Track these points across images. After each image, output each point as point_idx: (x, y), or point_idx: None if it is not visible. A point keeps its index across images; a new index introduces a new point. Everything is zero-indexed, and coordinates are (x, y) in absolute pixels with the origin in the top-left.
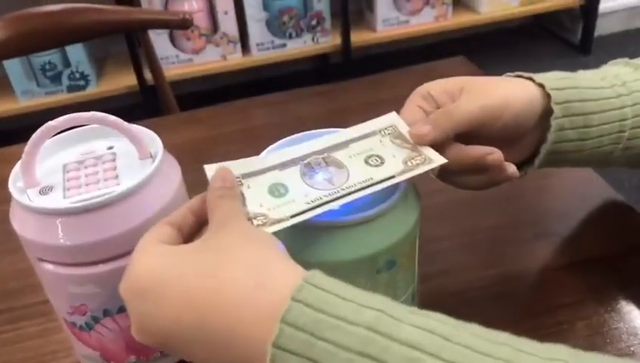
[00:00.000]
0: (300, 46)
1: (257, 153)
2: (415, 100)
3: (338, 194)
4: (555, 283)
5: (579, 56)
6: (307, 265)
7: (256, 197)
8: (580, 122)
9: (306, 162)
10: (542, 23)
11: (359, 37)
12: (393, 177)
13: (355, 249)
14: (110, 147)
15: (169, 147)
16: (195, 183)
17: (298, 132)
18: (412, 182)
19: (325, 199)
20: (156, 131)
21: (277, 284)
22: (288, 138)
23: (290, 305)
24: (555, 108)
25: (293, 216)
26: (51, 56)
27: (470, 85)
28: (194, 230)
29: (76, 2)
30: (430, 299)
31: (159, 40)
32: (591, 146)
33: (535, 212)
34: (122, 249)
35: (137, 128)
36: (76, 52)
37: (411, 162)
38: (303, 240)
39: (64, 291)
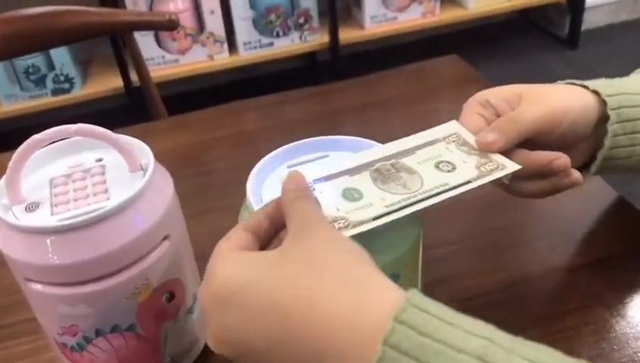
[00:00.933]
0: (288, 44)
1: (251, 159)
2: (474, 107)
3: (417, 198)
4: (561, 288)
5: (567, 50)
6: None
7: (331, 201)
8: (630, 128)
9: (375, 168)
10: (529, 17)
11: (347, 34)
12: (469, 182)
13: None
14: (99, 160)
15: (157, 153)
16: (187, 192)
17: (292, 136)
18: None
19: (405, 202)
20: (144, 138)
21: (376, 303)
22: (284, 148)
23: (392, 327)
24: (611, 114)
25: (375, 218)
26: (35, 59)
27: (529, 92)
28: (270, 235)
29: (60, 4)
30: None
31: (144, 41)
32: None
33: (536, 214)
34: (114, 266)
35: (126, 140)
36: (60, 55)
37: (484, 168)
38: None
39: (54, 311)
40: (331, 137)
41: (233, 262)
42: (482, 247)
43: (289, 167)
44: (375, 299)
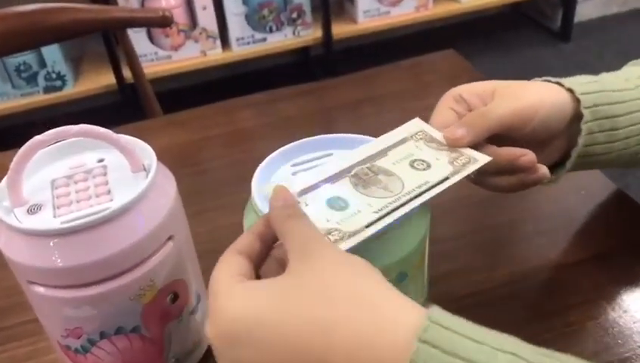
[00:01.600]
0: (281, 40)
1: (246, 158)
2: (447, 102)
3: (403, 200)
4: (564, 282)
5: (560, 43)
6: None
7: (319, 213)
8: (608, 125)
9: (352, 173)
10: (521, 10)
11: (340, 29)
12: (447, 178)
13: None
14: (101, 160)
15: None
16: (184, 191)
17: (287, 134)
18: None
19: (392, 206)
20: (138, 137)
21: (397, 324)
22: (288, 146)
23: (417, 348)
24: (585, 112)
25: (368, 226)
26: (26, 56)
27: (503, 88)
28: (263, 256)
29: (52, 1)
30: (440, 303)
31: (136, 37)
32: (619, 148)
33: (538, 209)
34: (119, 268)
35: (127, 140)
36: (52, 52)
37: (457, 163)
38: None
39: (58, 314)
40: (335, 135)
41: (241, 296)
42: (485, 243)
43: (293, 166)
44: (394, 319)
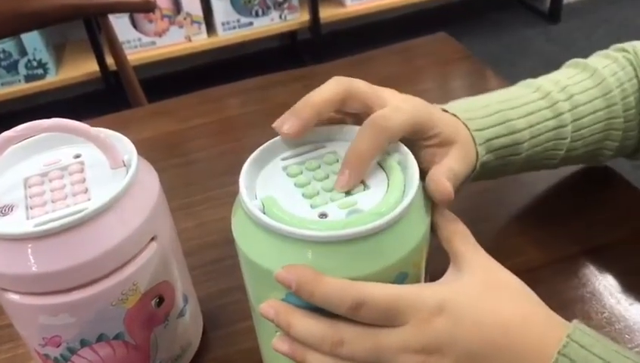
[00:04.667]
0: (267, 24)
1: (235, 147)
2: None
3: None
4: (566, 274)
5: (549, 24)
6: None
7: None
8: (507, 153)
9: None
10: None
11: (328, 12)
12: None
13: (364, 265)
14: (77, 156)
15: (136, 144)
16: (170, 184)
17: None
18: (421, 184)
19: None
20: (122, 127)
21: (546, 337)
22: (276, 139)
23: (556, 359)
24: (479, 148)
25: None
26: (5, 44)
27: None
28: None
29: None
30: None
31: (119, 23)
32: (524, 159)
33: (539, 200)
34: (98, 273)
35: (106, 134)
36: (32, 39)
37: None
38: (314, 257)
39: (34, 322)
40: (325, 126)
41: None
42: (484, 236)
43: (283, 160)
44: (544, 333)
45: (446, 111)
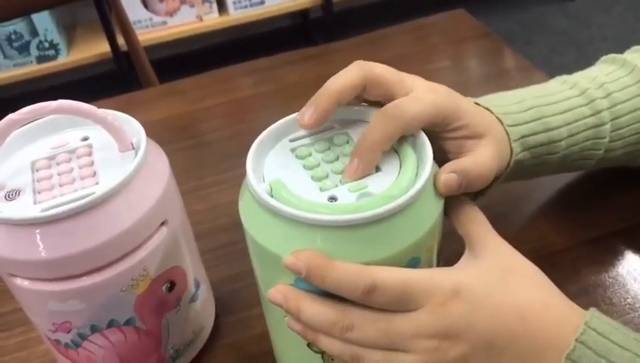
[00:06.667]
0: (279, 2)
1: (246, 128)
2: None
3: None
4: (588, 259)
5: (566, 0)
6: None
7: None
8: (543, 151)
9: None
10: None
11: None
12: None
13: (375, 250)
14: (85, 138)
15: (147, 125)
16: (180, 167)
17: (288, 102)
18: (435, 166)
19: None
20: (132, 109)
21: (565, 323)
22: (285, 120)
23: (574, 346)
24: (514, 145)
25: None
26: (16, 25)
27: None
28: None
29: None
30: None
31: (130, 3)
32: (560, 159)
33: (554, 184)
34: (107, 258)
35: (114, 116)
36: (43, 20)
37: None
38: (323, 241)
39: (43, 308)
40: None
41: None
42: (498, 219)
43: (291, 141)
44: (564, 319)
45: (479, 105)
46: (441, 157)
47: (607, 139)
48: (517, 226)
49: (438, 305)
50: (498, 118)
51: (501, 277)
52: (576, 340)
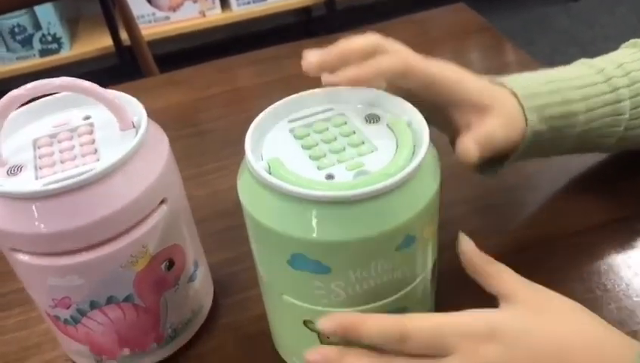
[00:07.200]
0: None
1: (247, 117)
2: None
3: None
4: (583, 247)
5: (570, 0)
6: (322, 245)
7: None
8: (561, 124)
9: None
10: None
11: None
12: None
13: (371, 226)
14: (87, 117)
15: (149, 112)
16: (182, 153)
17: (289, 92)
18: (432, 146)
19: None
20: (135, 96)
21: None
22: (284, 101)
23: None
24: (529, 115)
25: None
26: (20, 18)
27: (491, 104)
28: None
29: None
30: (449, 271)
31: None
32: (579, 134)
33: (552, 170)
34: (107, 234)
35: (116, 95)
36: (46, 13)
37: None
38: (318, 218)
39: (43, 283)
40: (334, 88)
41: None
42: (496, 207)
43: (290, 122)
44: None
45: (493, 81)
46: (450, 131)
47: (626, 116)
48: (512, 215)
49: (471, 349)
50: (512, 91)
51: (536, 315)
52: None
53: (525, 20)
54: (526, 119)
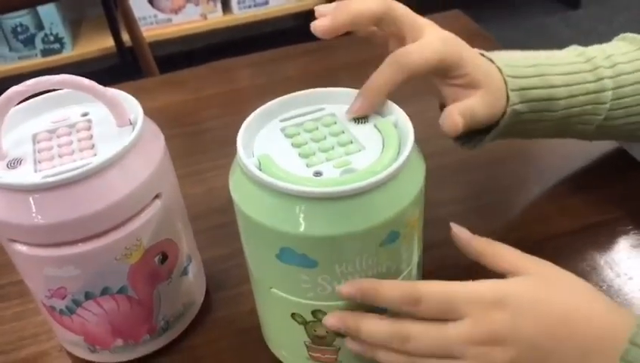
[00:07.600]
0: (283, 3)
1: (244, 118)
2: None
3: None
4: (568, 249)
5: (569, 10)
6: (309, 239)
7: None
8: (542, 107)
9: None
10: None
11: None
12: None
13: (355, 221)
14: (85, 114)
15: (148, 112)
16: (179, 152)
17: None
18: (415, 145)
19: None
20: (134, 96)
21: (616, 327)
22: (276, 101)
23: (628, 348)
24: (511, 94)
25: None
26: (22, 18)
27: (480, 82)
28: None
29: None
30: (436, 269)
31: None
32: (559, 119)
33: (541, 172)
34: (103, 226)
35: (114, 93)
36: (49, 13)
37: None
38: (306, 213)
39: (40, 274)
40: (325, 89)
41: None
42: (486, 207)
43: (282, 121)
44: (614, 321)
45: (483, 55)
46: (440, 100)
47: (607, 105)
48: (499, 217)
49: (481, 315)
50: (498, 68)
51: (544, 285)
52: (630, 342)
53: (525, 29)
54: (508, 98)
